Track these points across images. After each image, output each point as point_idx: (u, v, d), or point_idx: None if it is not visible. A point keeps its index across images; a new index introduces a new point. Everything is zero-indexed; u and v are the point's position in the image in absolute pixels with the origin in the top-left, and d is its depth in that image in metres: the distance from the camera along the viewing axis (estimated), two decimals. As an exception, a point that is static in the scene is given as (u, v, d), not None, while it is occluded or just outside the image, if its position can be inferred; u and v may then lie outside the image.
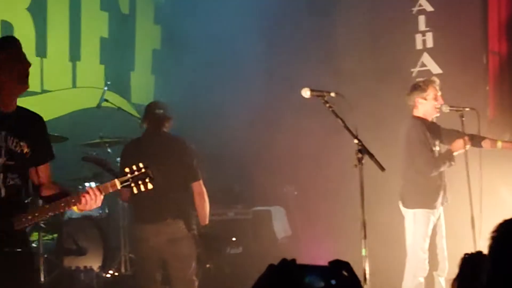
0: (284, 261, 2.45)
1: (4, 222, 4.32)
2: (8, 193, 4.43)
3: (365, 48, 9.65)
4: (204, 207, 6.70)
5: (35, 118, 4.75)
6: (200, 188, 6.72)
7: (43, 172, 4.78)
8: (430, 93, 7.15)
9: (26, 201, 4.59)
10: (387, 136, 7.76)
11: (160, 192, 5.75)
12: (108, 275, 8.11)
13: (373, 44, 9.72)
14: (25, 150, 4.58)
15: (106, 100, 8.88)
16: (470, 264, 3.00)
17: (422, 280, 6.98)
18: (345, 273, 2.31)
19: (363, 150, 5.17)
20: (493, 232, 2.11)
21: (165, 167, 6.12)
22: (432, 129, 7.20)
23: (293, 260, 2.44)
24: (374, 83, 9.05)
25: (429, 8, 9.51)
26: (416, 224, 7.03)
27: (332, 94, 5.39)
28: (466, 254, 3.12)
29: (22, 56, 4.57)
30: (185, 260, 6.54)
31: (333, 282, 2.30)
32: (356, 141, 5.21)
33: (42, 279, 7.61)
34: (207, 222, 6.71)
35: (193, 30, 10.59)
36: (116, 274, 8.25)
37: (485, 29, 9.08)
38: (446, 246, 7.16)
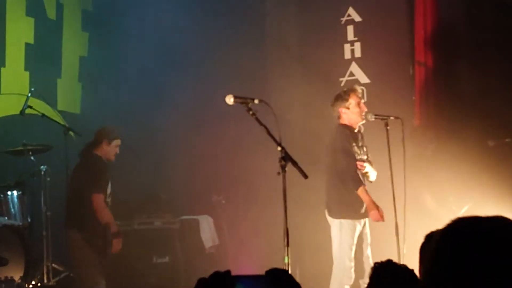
0: (216, 273, 2.41)
1: None
2: None
3: (294, 56, 9.68)
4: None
5: None
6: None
7: None
8: (352, 101, 7.22)
9: None
10: (314, 144, 7.79)
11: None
12: (30, 286, 7.91)
13: (302, 52, 9.77)
14: None
15: (30, 107, 8.68)
16: (380, 273, 3.00)
17: (348, 288, 7.01)
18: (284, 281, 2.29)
19: (286, 157, 5.16)
20: (437, 235, 2.08)
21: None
22: (357, 137, 7.25)
23: (228, 272, 2.40)
24: (303, 91, 9.08)
25: (358, 18, 9.60)
26: (342, 233, 7.06)
27: (256, 101, 5.37)
28: (376, 263, 3.13)
29: None
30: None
31: None
32: (279, 148, 5.20)
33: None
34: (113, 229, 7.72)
35: (120, 37, 10.50)
36: (39, 284, 8.06)
37: (411, 40, 9.20)
38: (371, 254, 7.20)
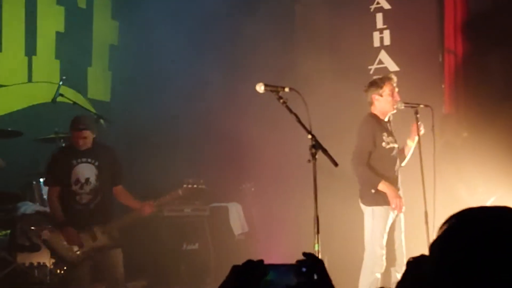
0: (249, 261, 2.43)
1: None
2: None
3: (323, 45, 9.68)
4: None
5: None
6: None
7: None
8: (386, 89, 7.18)
9: None
10: (344, 132, 7.79)
11: None
12: (62, 272, 8.00)
13: (331, 41, 9.76)
14: None
15: (61, 95, 8.77)
16: (413, 268, 3.00)
17: (379, 276, 7.01)
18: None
19: (316, 145, 5.18)
20: (444, 224, 2.10)
21: None
22: (386, 127, 7.24)
23: (261, 261, 2.42)
24: (332, 80, 9.08)
25: (387, 6, 9.56)
26: (374, 220, 7.06)
27: (286, 90, 5.38)
28: (410, 258, 3.12)
29: None
30: None
31: (303, 270, 2.30)
32: (309, 136, 5.22)
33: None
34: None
35: (150, 25, 10.55)
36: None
37: (441, 27, 9.15)
38: (404, 242, 7.20)
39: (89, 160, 7.10)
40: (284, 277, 2.39)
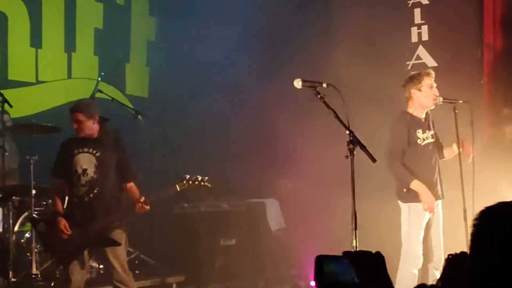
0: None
1: None
2: None
3: (361, 40, 9.62)
4: None
5: None
6: None
7: None
8: (425, 84, 7.14)
9: None
10: (381, 128, 7.76)
11: None
12: (101, 266, 8.08)
13: (369, 36, 9.69)
14: None
15: (100, 91, 8.85)
16: (453, 264, 2.98)
17: (416, 272, 6.99)
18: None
19: (354, 141, 5.17)
20: (475, 220, 2.10)
21: None
22: (421, 123, 7.19)
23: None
24: (369, 75, 9.02)
25: (425, 1, 9.48)
26: (410, 217, 7.04)
27: (324, 85, 5.38)
28: (449, 255, 3.11)
29: None
30: None
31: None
32: (347, 132, 5.22)
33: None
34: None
35: (188, 22, 10.60)
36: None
37: (480, 22, 9.05)
38: (442, 238, 7.16)
39: (90, 150, 6.63)
40: (347, 270, 2.43)
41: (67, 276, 6.43)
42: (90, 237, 6.45)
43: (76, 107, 6.60)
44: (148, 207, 6.47)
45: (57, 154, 6.78)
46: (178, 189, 6.65)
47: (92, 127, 6.62)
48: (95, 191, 6.58)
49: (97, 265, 8.09)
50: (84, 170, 6.58)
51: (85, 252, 6.54)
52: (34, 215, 7.64)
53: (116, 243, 6.48)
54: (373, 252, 2.53)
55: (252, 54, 10.15)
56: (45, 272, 7.56)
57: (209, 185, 6.86)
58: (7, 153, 8.00)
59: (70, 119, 6.59)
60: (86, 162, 6.60)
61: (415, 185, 6.94)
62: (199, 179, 6.73)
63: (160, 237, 9.10)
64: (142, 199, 6.44)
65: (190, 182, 6.69)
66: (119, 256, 6.54)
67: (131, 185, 6.77)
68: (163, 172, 9.36)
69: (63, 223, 6.41)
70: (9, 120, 8.28)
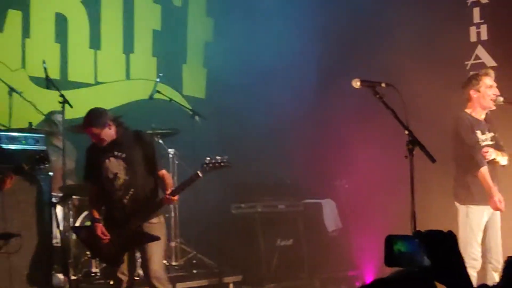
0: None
1: None
2: None
3: (419, 40, 9.55)
4: None
5: None
6: None
7: None
8: (483, 84, 7.05)
9: None
10: (440, 128, 7.69)
11: None
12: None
13: (427, 36, 9.62)
14: None
15: (158, 92, 8.94)
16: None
17: (475, 274, 6.91)
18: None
19: (413, 141, 5.14)
20: None
21: None
22: (481, 124, 7.10)
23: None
24: (428, 75, 8.95)
25: (484, 0, 9.38)
26: (469, 218, 6.98)
27: (383, 85, 5.36)
28: (509, 257, 3.07)
29: None
30: None
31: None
32: (406, 132, 5.19)
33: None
34: None
35: (244, 25, 10.64)
36: (167, 263, 8.32)
37: (541, 21, 8.93)
38: (501, 240, 7.07)
39: (115, 153, 6.55)
40: (418, 250, 2.43)
41: (117, 277, 6.49)
42: (129, 236, 6.43)
43: (87, 122, 6.50)
44: (175, 198, 6.48)
45: (86, 161, 6.77)
46: (201, 175, 6.52)
47: (109, 133, 6.51)
48: (131, 193, 6.52)
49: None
50: (115, 175, 6.54)
51: (131, 252, 6.58)
52: (76, 224, 7.73)
53: (155, 238, 6.43)
54: (445, 231, 2.51)
55: (311, 54, 10.15)
56: (105, 271, 7.64)
57: (230, 165, 6.70)
58: (66, 154, 8.13)
59: (86, 133, 6.54)
60: (115, 166, 6.55)
61: (481, 176, 6.85)
62: (219, 160, 6.60)
63: (217, 237, 9.16)
64: (169, 191, 6.43)
65: (211, 165, 6.55)
66: (157, 252, 6.49)
67: (163, 172, 6.68)
68: (221, 172, 9.42)
69: (100, 229, 6.45)
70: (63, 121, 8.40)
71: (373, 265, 9.12)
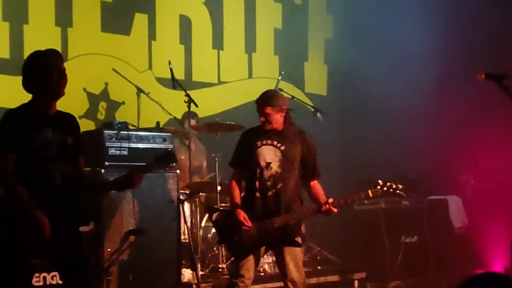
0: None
1: None
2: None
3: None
4: None
5: (71, 118, 5.08)
6: None
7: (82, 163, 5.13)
8: None
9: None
10: None
11: None
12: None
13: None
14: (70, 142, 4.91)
15: (281, 90, 8.99)
16: None
17: None
18: None
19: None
20: None
21: None
22: None
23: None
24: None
25: None
26: None
27: (509, 77, 5.20)
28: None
29: (55, 68, 4.80)
30: None
31: None
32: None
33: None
34: None
35: (364, 21, 10.59)
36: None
37: None
38: None
39: (275, 142, 6.16)
40: None
41: (237, 271, 6.09)
42: (271, 233, 6.06)
43: (265, 100, 6.12)
44: (336, 210, 6.02)
45: (238, 145, 6.36)
46: (371, 195, 6.13)
47: (279, 119, 6.13)
48: (278, 186, 6.11)
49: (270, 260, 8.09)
50: (268, 164, 6.12)
51: (262, 248, 6.20)
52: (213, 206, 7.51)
53: (298, 244, 6.15)
54: None
55: (434, 49, 9.99)
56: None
57: (404, 195, 6.34)
58: (192, 151, 8.31)
59: (258, 111, 6.13)
60: (270, 155, 6.14)
61: None
62: (394, 187, 6.20)
63: (341, 233, 9.15)
64: (331, 201, 6.00)
65: (385, 189, 6.17)
66: (296, 256, 6.14)
67: (314, 183, 6.30)
68: (343, 169, 9.42)
69: (242, 215, 6.05)
70: (195, 120, 8.61)
71: (501, 263, 8.90)
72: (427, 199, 9.43)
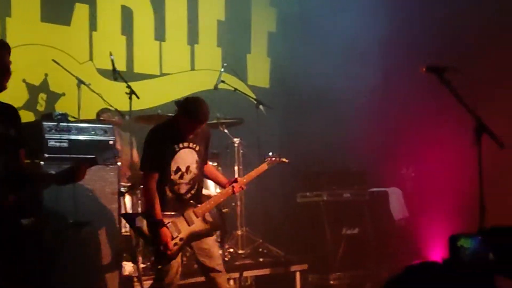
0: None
1: None
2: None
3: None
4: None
5: (13, 109, 5.08)
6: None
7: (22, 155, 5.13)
8: None
9: None
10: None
11: None
12: (226, 253, 8.22)
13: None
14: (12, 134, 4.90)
15: (223, 82, 8.97)
16: None
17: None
18: None
19: (481, 127, 5.01)
20: None
21: None
22: None
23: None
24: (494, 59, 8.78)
25: None
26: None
27: (450, 70, 5.24)
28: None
29: None
30: None
31: None
32: (474, 118, 5.06)
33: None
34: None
35: (308, 14, 10.60)
36: (232, 251, 8.40)
37: None
38: None
39: (191, 144, 6.17)
40: (482, 247, 2.41)
41: (167, 270, 6.11)
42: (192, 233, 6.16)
43: (206, 117, 6.16)
44: (244, 186, 6.59)
45: (151, 147, 6.12)
46: (267, 167, 6.84)
47: None
48: (196, 187, 6.26)
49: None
50: (187, 168, 6.16)
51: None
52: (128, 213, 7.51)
53: (211, 233, 6.29)
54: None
55: (379, 41, 10.01)
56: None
57: (287, 161, 7.11)
58: (134, 145, 8.28)
59: (193, 126, 6.11)
60: (189, 158, 6.16)
61: None
62: (279, 157, 6.97)
63: (283, 226, 9.18)
64: (234, 179, 6.53)
65: (273, 159, 6.90)
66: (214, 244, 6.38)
67: (207, 166, 6.53)
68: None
69: (168, 236, 5.98)
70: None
71: (439, 254, 9.02)
72: (368, 191, 9.50)
